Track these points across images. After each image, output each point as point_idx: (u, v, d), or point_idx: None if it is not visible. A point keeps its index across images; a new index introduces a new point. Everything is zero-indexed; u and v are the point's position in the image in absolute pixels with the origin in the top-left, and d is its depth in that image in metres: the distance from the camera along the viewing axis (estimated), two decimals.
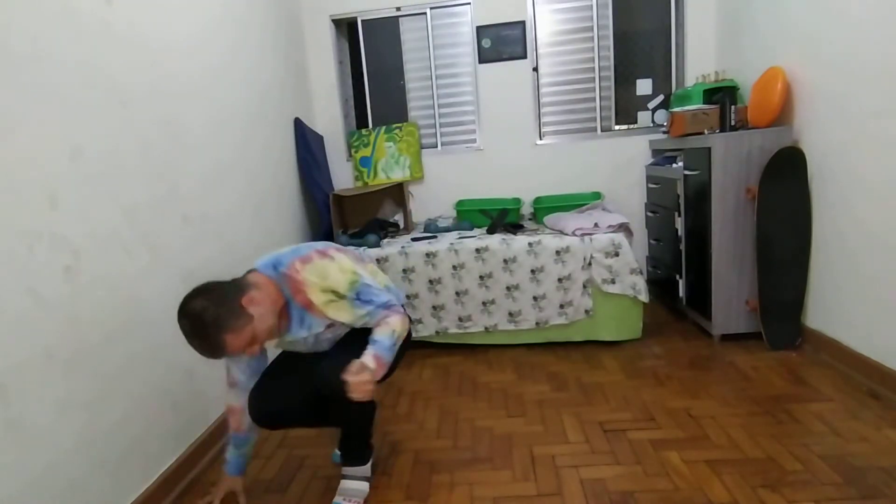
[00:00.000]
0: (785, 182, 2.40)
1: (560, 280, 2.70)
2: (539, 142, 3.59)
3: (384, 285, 1.66)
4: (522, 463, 1.80)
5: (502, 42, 3.48)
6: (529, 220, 3.32)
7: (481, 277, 2.76)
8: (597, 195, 3.31)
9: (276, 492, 1.76)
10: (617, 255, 2.65)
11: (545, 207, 3.17)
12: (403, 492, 1.70)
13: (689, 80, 3.37)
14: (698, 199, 2.66)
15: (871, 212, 2.05)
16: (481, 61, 3.52)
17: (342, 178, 3.72)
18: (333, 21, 3.61)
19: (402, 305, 1.65)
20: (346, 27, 3.79)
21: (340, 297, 1.48)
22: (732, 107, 2.65)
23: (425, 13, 3.54)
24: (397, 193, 3.45)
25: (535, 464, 1.78)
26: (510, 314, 2.78)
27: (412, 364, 2.72)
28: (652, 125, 3.56)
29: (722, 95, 2.70)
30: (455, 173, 3.65)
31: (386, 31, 3.65)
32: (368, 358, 1.46)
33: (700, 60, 3.37)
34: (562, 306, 2.73)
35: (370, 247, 2.88)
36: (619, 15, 3.47)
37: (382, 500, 1.67)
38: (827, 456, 1.67)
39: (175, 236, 1.92)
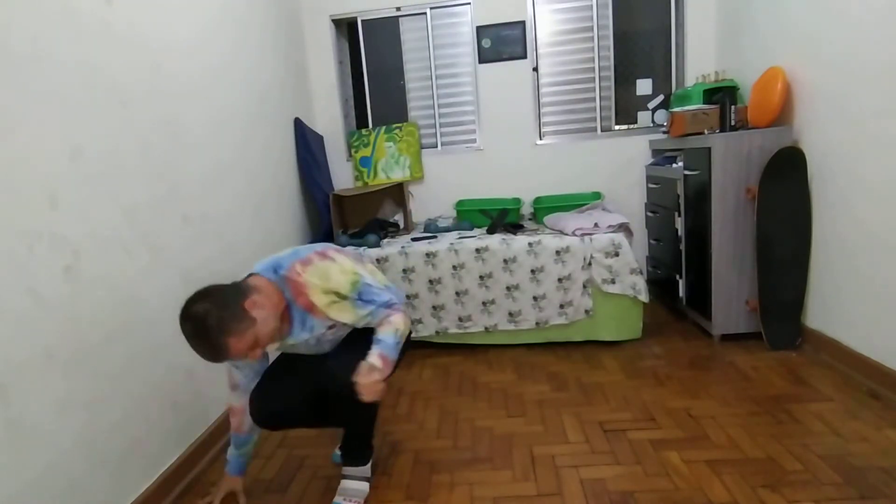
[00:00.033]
0: (785, 182, 2.40)
1: (560, 280, 2.70)
2: (539, 142, 3.59)
3: (384, 285, 1.66)
4: (522, 463, 1.80)
5: (502, 42, 3.48)
6: (529, 220, 3.32)
7: (481, 277, 2.76)
8: (597, 195, 3.31)
9: (276, 492, 1.76)
10: (617, 255, 2.65)
11: (545, 207, 3.17)
12: (403, 492, 1.70)
13: (689, 80, 3.37)
14: (698, 199, 2.66)
15: (871, 212, 2.05)
16: (481, 61, 3.52)
17: (342, 178, 3.72)
18: (333, 21, 3.61)
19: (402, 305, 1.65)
20: (346, 27, 3.79)
21: (342, 297, 1.49)
22: (732, 107, 2.65)
23: (425, 13, 3.54)
24: (397, 193, 3.45)
25: (535, 464, 1.78)
26: (510, 314, 2.78)
27: (412, 364, 2.72)
28: (652, 125, 3.56)
29: (722, 95, 2.70)
30: (455, 173, 3.65)
31: (386, 31, 3.65)
32: (375, 358, 1.46)
33: (700, 60, 3.37)
34: (562, 306, 2.73)
35: (370, 247, 2.89)
36: (619, 15, 3.47)
37: (382, 500, 1.67)
38: (827, 456, 1.67)
39: (175, 236, 1.92)
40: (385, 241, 3.02)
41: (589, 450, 1.84)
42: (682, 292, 2.92)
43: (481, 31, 3.48)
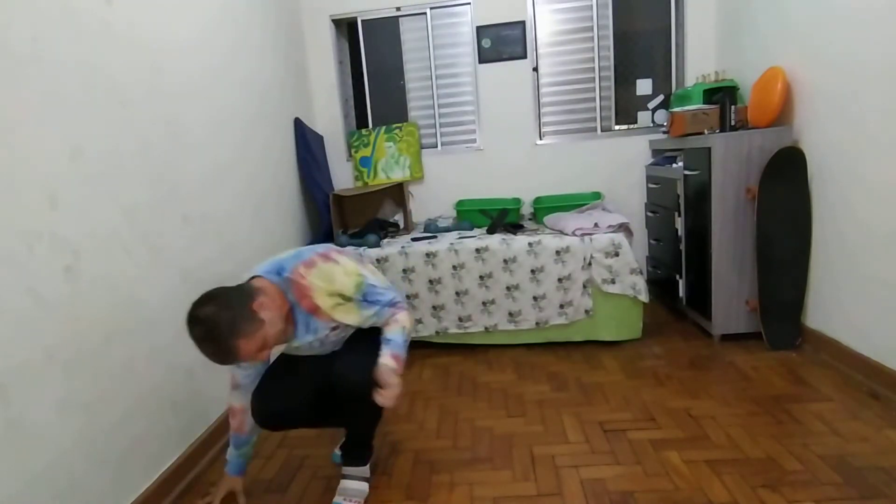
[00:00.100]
0: (785, 182, 2.40)
1: (560, 280, 2.70)
2: (539, 142, 3.59)
3: (385, 285, 1.66)
4: (522, 463, 1.80)
5: (502, 42, 3.48)
6: (529, 220, 3.32)
7: (481, 277, 2.76)
8: (597, 195, 3.31)
9: (276, 492, 1.76)
10: (617, 255, 2.65)
11: (545, 207, 3.16)
12: (403, 492, 1.70)
13: (689, 80, 3.37)
14: (698, 199, 2.66)
15: (871, 212, 2.05)
16: (481, 61, 3.52)
17: (342, 178, 3.72)
18: (333, 21, 3.61)
19: None
20: (346, 27, 3.79)
21: (347, 299, 1.49)
22: (732, 107, 2.65)
23: (425, 13, 3.54)
24: (397, 193, 3.45)
25: (535, 464, 1.78)
26: (510, 314, 2.78)
27: (412, 364, 2.72)
28: (652, 125, 3.56)
29: (722, 95, 2.70)
30: (455, 173, 3.65)
31: (386, 31, 3.65)
32: (388, 359, 1.48)
33: (700, 60, 3.37)
34: (562, 306, 2.73)
35: (370, 247, 2.89)
36: (619, 15, 3.47)
37: (382, 500, 1.67)
38: (827, 456, 1.67)
39: (175, 236, 1.92)
40: (385, 241, 3.02)
41: (589, 450, 1.84)
42: (682, 292, 2.92)
43: (481, 31, 3.48)
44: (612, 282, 2.67)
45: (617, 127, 3.59)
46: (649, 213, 3.38)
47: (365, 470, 1.69)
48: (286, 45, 3.22)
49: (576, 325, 2.76)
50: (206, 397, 2.03)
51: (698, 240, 2.69)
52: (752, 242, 2.52)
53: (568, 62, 3.54)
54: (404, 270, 2.80)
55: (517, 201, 3.38)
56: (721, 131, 2.66)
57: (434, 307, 2.81)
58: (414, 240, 2.93)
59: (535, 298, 2.74)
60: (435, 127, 3.68)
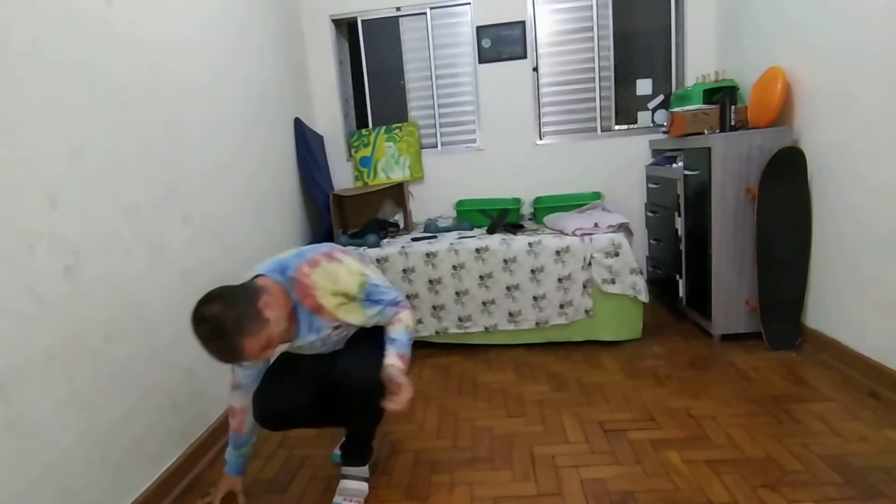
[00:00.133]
0: (785, 182, 2.40)
1: (560, 280, 2.70)
2: (539, 142, 3.59)
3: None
4: (522, 463, 1.80)
5: (502, 42, 3.48)
6: (529, 220, 3.32)
7: (481, 277, 2.76)
8: (597, 195, 3.31)
9: (276, 492, 1.76)
10: (617, 255, 2.65)
11: (545, 207, 3.17)
12: (403, 492, 1.70)
13: (689, 80, 3.37)
14: (698, 199, 2.66)
15: (871, 212, 2.05)
16: (481, 61, 3.52)
17: (342, 178, 3.72)
18: (333, 21, 3.61)
19: None
20: (346, 27, 3.79)
21: (351, 299, 1.49)
22: (732, 107, 2.65)
23: (425, 13, 3.54)
24: (397, 193, 3.45)
25: (535, 464, 1.78)
26: (510, 314, 2.78)
27: (412, 364, 2.69)
28: (652, 125, 3.56)
29: (722, 95, 2.70)
30: (455, 173, 3.65)
31: (386, 31, 3.65)
32: (395, 359, 1.49)
33: (700, 60, 3.37)
34: (562, 306, 2.73)
35: (370, 247, 2.89)
36: (619, 15, 3.47)
37: (382, 500, 1.67)
38: (827, 456, 1.67)
39: (175, 236, 1.92)
40: (385, 241, 3.02)
41: (589, 450, 1.84)
42: (682, 292, 2.92)
43: (481, 31, 3.48)
44: (612, 282, 2.67)
45: (617, 127, 3.59)
46: (649, 213, 3.38)
47: (364, 470, 1.69)
48: (286, 45, 3.22)
49: (576, 325, 2.76)
50: (206, 397, 2.03)
51: (698, 240, 2.69)
52: (752, 242, 2.52)
53: (568, 62, 3.54)
54: (404, 270, 2.80)
55: (517, 201, 3.38)
56: (721, 131, 2.66)
57: (434, 307, 2.81)
58: (414, 240, 2.93)
59: (535, 298, 2.74)
60: (435, 127, 3.68)
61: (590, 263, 2.67)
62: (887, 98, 1.94)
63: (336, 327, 1.53)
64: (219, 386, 2.03)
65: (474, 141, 3.65)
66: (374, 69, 3.71)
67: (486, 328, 2.81)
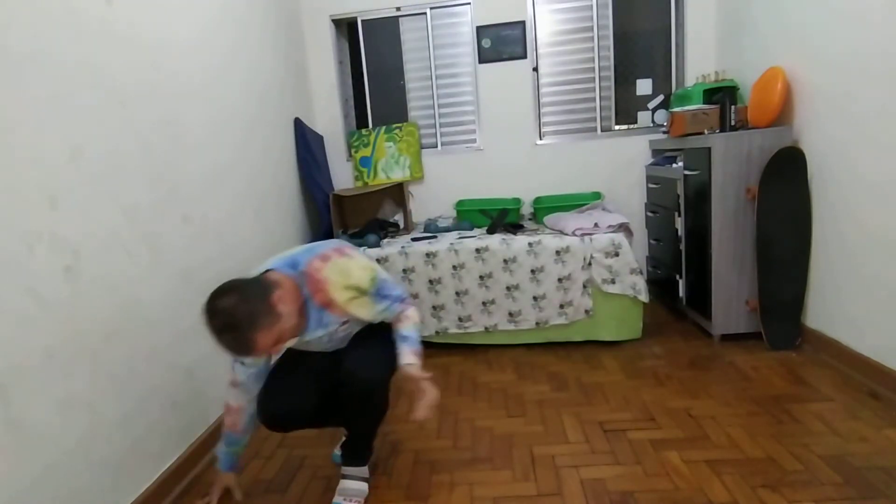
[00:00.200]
0: (785, 182, 2.40)
1: (560, 280, 2.70)
2: (539, 142, 3.59)
3: None
4: (522, 463, 1.80)
5: (502, 42, 3.48)
6: (529, 220, 3.32)
7: (481, 277, 2.76)
8: (597, 195, 3.31)
9: (276, 492, 1.76)
10: (617, 255, 2.65)
11: (545, 207, 3.17)
12: (403, 492, 1.70)
13: (689, 80, 3.37)
14: (698, 199, 2.66)
15: (871, 212, 2.05)
16: (481, 61, 3.52)
17: (342, 178, 3.72)
18: (333, 21, 3.61)
19: None
20: (346, 27, 3.79)
21: (362, 293, 1.49)
22: (732, 107, 2.65)
23: (425, 13, 3.54)
24: (397, 193, 3.45)
25: (535, 464, 1.78)
26: (510, 314, 2.78)
27: None
28: (652, 125, 3.56)
29: (722, 95, 2.70)
30: (455, 173, 3.65)
31: (386, 31, 3.65)
32: (411, 357, 1.51)
33: (700, 60, 3.37)
34: (562, 306, 2.73)
35: (370, 247, 2.89)
36: (619, 15, 3.47)
37: (382, 500, 1.67)
38: (827, 456, 1.67)
39: (175, 236, 1.92)
40: (385, 241, 3.02)
41: (589, 450, 1.84)
42: (682, 292, 2.92)
43: (481, 31, 3.48)
44: (612, 282, 2.67)
45: (617, 127, 3.59)
46: (649, 213, 3.38)
47: (364, 470, 1.69)
48: (286, 45, 3.23)
49: (576, 325, 2.76)
50: (206, 397, 2.03)
51: (698, 240, 2.69)
52: (752, 242, 2.52)
53: (568, 62, 3.54)
54: (404, 270, 2.80)
55: (517, 201, 3.38)
56: (721, 131, 2.66)
57: (434, 307, 2.81)
58: (414, 240, 2.93)
59: (535, 298, 2.74)
60: (435, 127, 3.68)
61: (590, 263, 2.67)
62: (887, 98, 1.94)
63: (343, 323, 1.54)
64: (218, 386, 2.03)
65: (474, 141, 3.65)
66: (374, 69, 3.72)
67: (486, 328, 2.81)
